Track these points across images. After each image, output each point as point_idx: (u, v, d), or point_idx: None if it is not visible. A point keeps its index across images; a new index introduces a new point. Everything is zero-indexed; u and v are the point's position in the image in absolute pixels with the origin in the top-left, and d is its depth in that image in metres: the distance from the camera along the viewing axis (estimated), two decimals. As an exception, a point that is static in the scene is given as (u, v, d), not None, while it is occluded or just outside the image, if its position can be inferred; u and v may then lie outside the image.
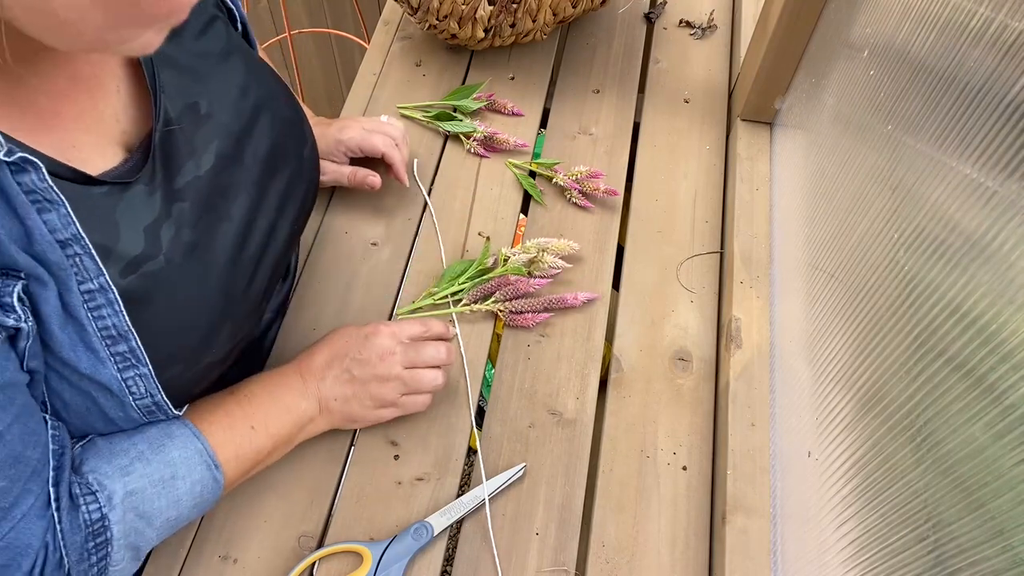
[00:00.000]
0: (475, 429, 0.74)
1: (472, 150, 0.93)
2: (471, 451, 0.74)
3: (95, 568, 0.53)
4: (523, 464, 0.72)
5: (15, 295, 0.46)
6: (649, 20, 1.09)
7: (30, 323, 0.47)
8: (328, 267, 0.83)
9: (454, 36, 0.97)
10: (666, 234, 0.88)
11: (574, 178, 0.89)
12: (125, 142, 0.55)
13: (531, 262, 0.82)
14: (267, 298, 0.67)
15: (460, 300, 0.81)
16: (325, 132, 0.83)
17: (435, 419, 0.74)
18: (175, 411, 0.58)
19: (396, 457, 0.72)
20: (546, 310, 0.80)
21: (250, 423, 0.63)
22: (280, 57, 1.82)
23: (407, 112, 0.96)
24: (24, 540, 0.48)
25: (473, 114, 0.97)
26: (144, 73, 0.57)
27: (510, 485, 0.71)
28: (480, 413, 0.76)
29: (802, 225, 0.76)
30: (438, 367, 0.71)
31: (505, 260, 0.83)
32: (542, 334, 0.80)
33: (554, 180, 0.90)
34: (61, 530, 0.50)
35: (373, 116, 0.90)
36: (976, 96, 0.46)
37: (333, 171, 0.84)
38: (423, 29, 0.99)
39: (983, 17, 0.46)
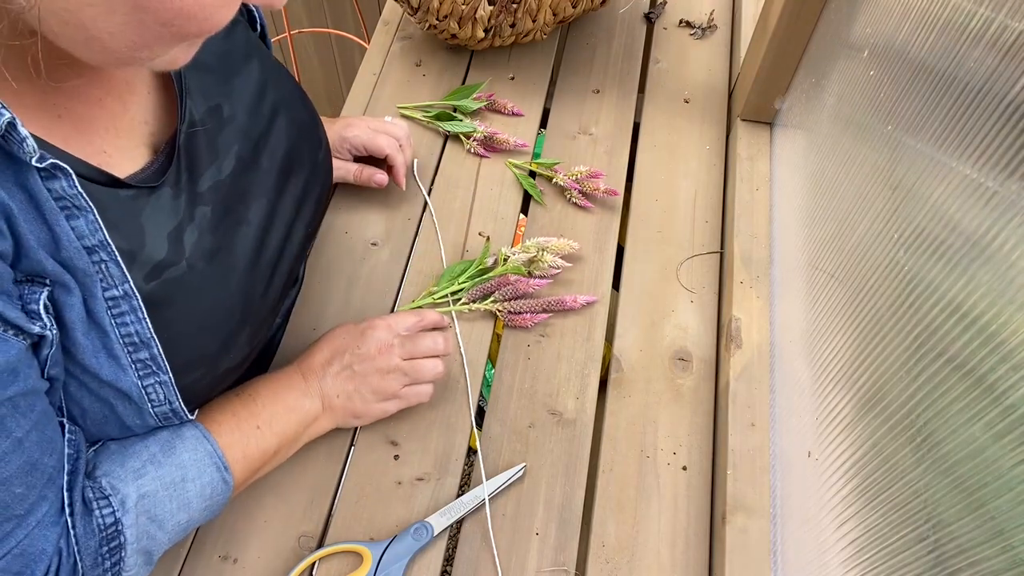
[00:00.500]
0: (475, 429, 0.74)
1: (472, 150, 0.93)
2: (471, 451, 0.74)
3: (109, 573, 0.53)
4: (523, 464, 0.72)
5: (41, 302, 0.46)
6: (649, 20, 1.09)
7: (54, 331, 0.47)
8: (328, 267, 0.83)
9: (454, 36, 0.97)
10: (666, 234, 0.88)
11: (574, 178, 0.89)
12: (152, 143, 0.56)
13: (531, 262, 0.82)
14: (282, 302, 0.67)
15: (460, 299, 0.81)
16: (329, 129, 0.84)
17: (435, 419, 0.74)
18: (190, 417, 0.58)
19: (396, 457, 0.72)
20: (545, 311, 0.80)
21: (255, 423, 0.63)
22: (280, 57, 1.82)
23: (407, 112, 0.96)
24: (39, 547, 0.48)
25: (473, 114, 0.97)
26: (171, 75, 0.57)
27: (510, 485, 0.71)
28: (480, 413, 0.76)
29: (802, 225, 0.76)
30: (437, 356, 0.71)
31: (505, 260, 0.83)
32: (542, 334, 0.80)
33: (554, 180, 0.90)
34: (75, 535, 0.50)
35: (375, 116, 0.90)
36: (976, 96, 0.46)
37: (339, 168, 0.84)
38: (423, 29, 0.99)
39: (983, 17, 0.46)
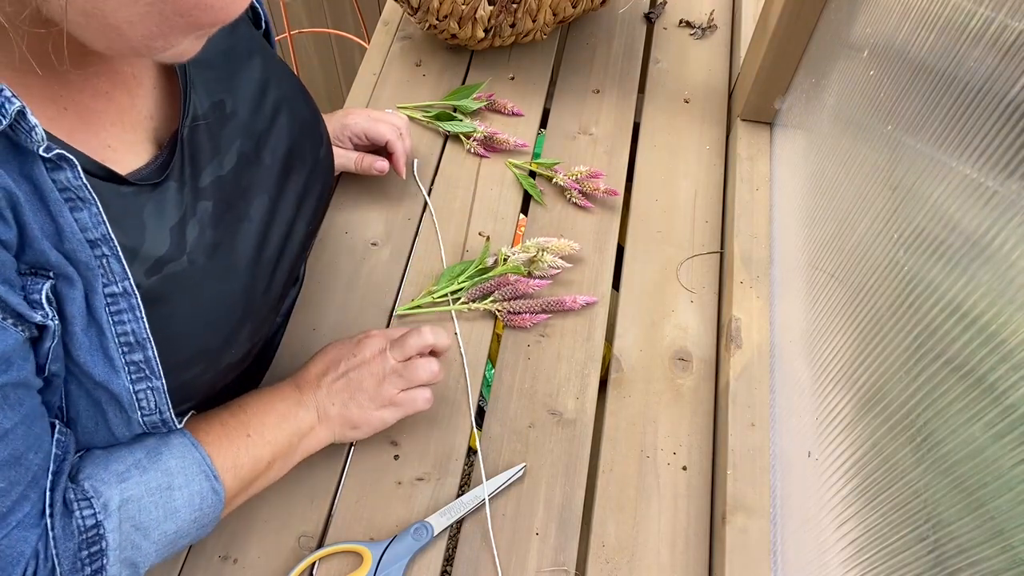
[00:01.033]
0: (475, 429, 0.74)
1: (472, 150, 0.93)
2: (471, 451, 0.74)
3: None
4: (523, 464, 0.72)
5: (44, 293, 0.46)
6: (649, 20, 1.09)
7: (56, 322, 0.47)
8: (328, 267, 0.83)
9: (454, 36, 0.97)
10: (666, 234, 0.88)
11: (574, 178, 0.89)
12: (155, 138, 0.56)
13: (531, 262, 0.82)
14: (283, 299, 0.67)
15: (459, 299, 0.81)
16: (330, 120, 0.84)
17: (435, 419, 0.74)
18: (179, 426, 0.57)
19: (396, 457, 0.72)
20: (544, 311, 0.80)
21: (246, 431, 0.62)
22: (280, 57, 1.82)
23: (407, 112, 0.96)
24: (17, 548, 0.47)
25: (473, 114, 0.97)
26: (176, 69, 0.58)
27: (510, 485, 0.71)
28: (480, 413, 0.76)
29: (802, 225, 0.76)
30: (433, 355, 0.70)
31: (505, 260, 0.83)
32: (542, 334, 0.80)
33: (554, 180, 0.90)
34: (53, 537, 0.49)
35: (373, 115, 0.91)
36: (976, 96, 0.46)
37: (340, 156, 0.84)
38: (423, 29, 0.99)
39: (983, 17, 0.46)
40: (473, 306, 0.80)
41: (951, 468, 0.43)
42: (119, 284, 0.49)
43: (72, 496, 0.51)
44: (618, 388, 0.77)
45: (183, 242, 0.54)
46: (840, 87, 0.71)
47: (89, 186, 0.47)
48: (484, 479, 0.71)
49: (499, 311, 0.80)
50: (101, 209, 0.47)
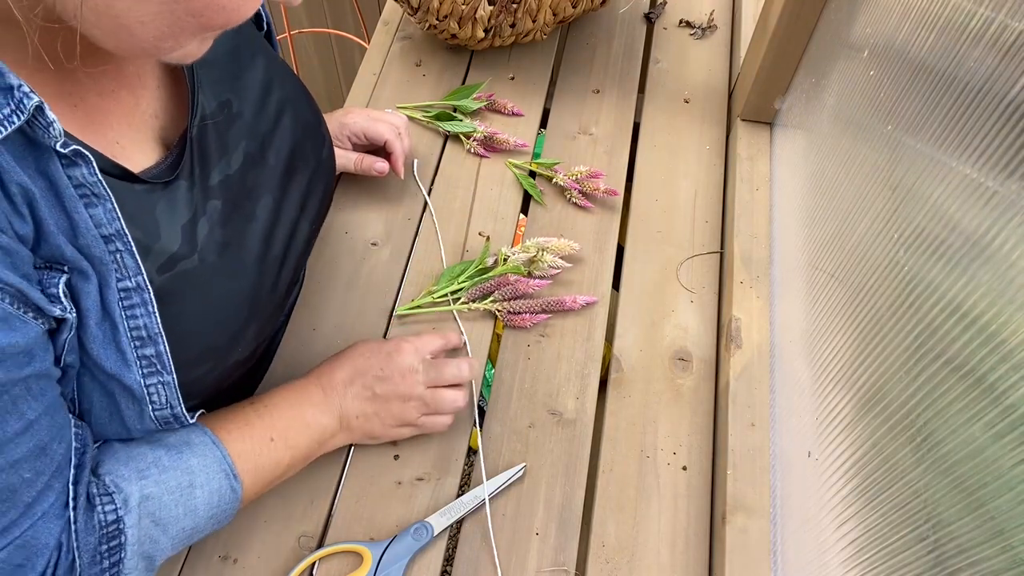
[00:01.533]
0: (475, 429, 0.74)
1: (472, 150, 0.93)
2: (471, 451, 0.74)
3: (107, 573, 0.52)
4: (523, 464, 0.72)
5: (60, 287, 0.46)
6: (649, 20, 1.09)
7: (73, 314, 0.48)
8: (328, 267, 0.83)
9: (454, 36, 0.97)
10: (666, 234, 0.88)
11: (574, 178, 0.89)
12: (162, 138, 0.56)
13: (531, 262, 0.82)
14: (288, 297, 0.67)
15: (459, 299, 0.81)
16: (329, 117, 0.84)
17: (435, 419, 0.74)
18: (191, 421, 0.57)
19: (396, 457, 0.72)
20: (544, 311, 0.80)
21: (269, 434, 0.62)
22: (282, 58, 1.82)
23: (407, 112, 0.96)
24: (42, 540, 0.48)
25: (473, 114, 0.97)
26: (182, 70, 0.58)
27: (510, 485, 0.71)
28: (480, 413, 0.76)
29: (802, 225, 0.76)
30: (459, 385, 0.71)
31: (505, 260, 0.83)
32: (542, 334, 0.80)
33: (554, 180, 0.90)
34: (75, 530, 0.50)
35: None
36: (976, 96, 0.46)
37: (339, 156, 0.84)
38: (423, 29, 0.99)
39: (983, 17, 0.46)
40: (473, 306, 0.80)
41: (951, 468, 0.43)
42: (132, 279, 0.50)
43: (95, 491, 0.52)
44: (618, 388, 0.77)
45: (194, 240, 0.54)
46: (840, 87, 0.71)
47: (104, 182, 0.47)
48: (484, 479, 0.71)
49: (499, 311, 0.80)
50: (116, 205, 0.48)
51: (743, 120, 0.94)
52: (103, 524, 0.51)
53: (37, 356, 0.46)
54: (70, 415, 0.51)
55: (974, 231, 0.44)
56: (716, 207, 0.91)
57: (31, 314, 0.45)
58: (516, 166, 0.92)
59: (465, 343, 0.78)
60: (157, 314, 0.51)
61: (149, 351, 0.51)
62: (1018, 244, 0.39)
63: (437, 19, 0.94)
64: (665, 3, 1.11)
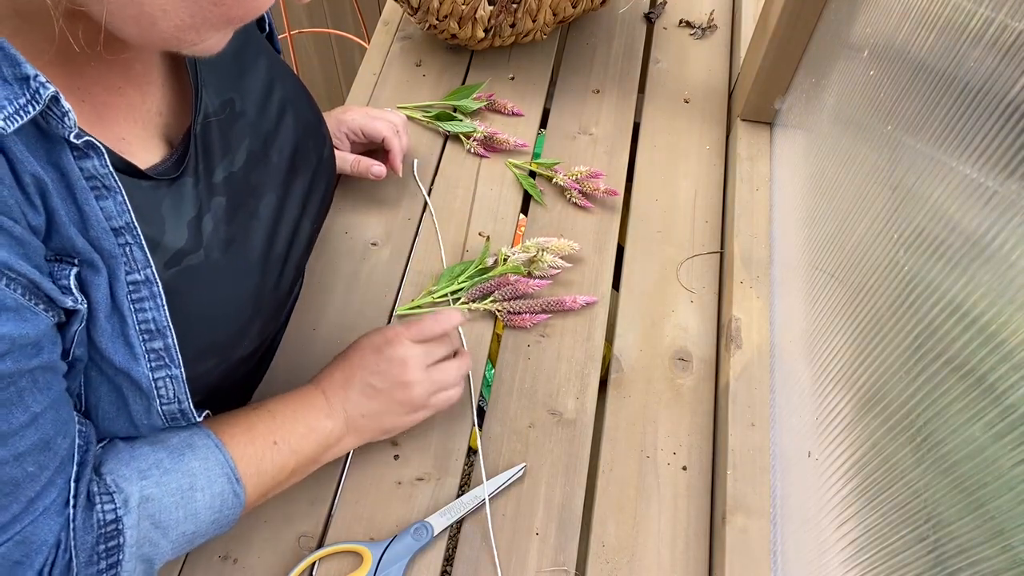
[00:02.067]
0: (475, 429, 0.74)
1: (472, 150, 0.93)
2: (471, 451, 0.74)
3: (104, 574, 0.51)
4: (523, 464, 0.72)
5: (71, 279, 0.47)
6: (649, 20, 1.09)
7: (84, 306, 0.48)
8: (328, 267, 0.83)
9: (454, 36, 0.97)
10: (666, 234, 0.88)
11: (574, 178, 0.89)
12: (167, 136, 0.57)
13: (531, 262, 0.82)
14: (290, 296, 0.67)
15: (459, 299, 0.81)
16: (328, 116, 0.84)
17: (435, 419, 0.74)
18: (198, 419, 0.57)
19: (396, 457, 0.72)
20: (544, 311, 0.80)
21: (272, 438, 0.61)
22: (282, 59, 1.82)
23: (407, 112, 0.96)
24: (41, 536, 0.48)
25: (473, 114, 0.97)
26: (186, 69, 0.58)
27: (510, 485, 0.71)
28: (480, 413, 0.76)
29: (802, 225, 0.76)
30: (457, 354, 0.70)
31: (505, 260, 0.83)
32: (542, 334, 0.80)
33: (554, 180, 0.90)
34: (74, 528, 0.49)
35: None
36: (976, 96, 0.46)
37: (336, 158, 0.84)
38: (423, 29, 0.99)
39: (983, 17, 0.46)
40: (473, 306, 0.80)
41: (951, 468, 0.43)
42: (141, 272, 0.50)
43: (95, 489, 0.52)
44: (618, 388, 0.77)
45: (200, 236, 0.55)
46: (840, 87, 0.71)
47: (115, 175, 0.47)
48: (484, 479, 0.71)
49: (499, 311, 0.80)
50: (126, 198, 0.48)
51: (743, 120, 0.94)
52: (102, 523, 0.51)
53: (45, 349, 0.46)
54: (74, 411, 0.51)
55: (974, 231, 0.44)
56: (716, 207, 0.91)
57: (42, 306, 0.45)
58: (516, 166, 0.92)
59: (460, 337, 0.78)
60: (166, 307, 0.51)
61: (157, 344, 0.51)
62: (1018, 244, 0.39)
63: (437, 19, 0.94)
64: (665, 3, 1.11)
